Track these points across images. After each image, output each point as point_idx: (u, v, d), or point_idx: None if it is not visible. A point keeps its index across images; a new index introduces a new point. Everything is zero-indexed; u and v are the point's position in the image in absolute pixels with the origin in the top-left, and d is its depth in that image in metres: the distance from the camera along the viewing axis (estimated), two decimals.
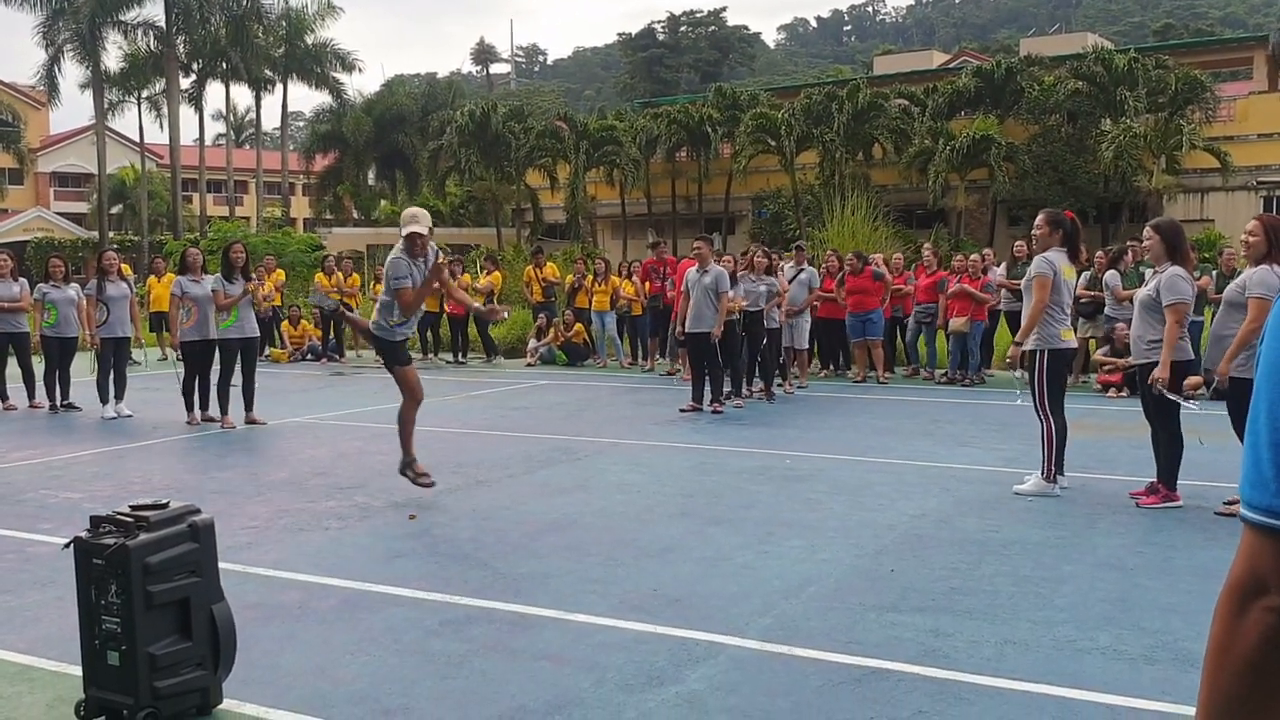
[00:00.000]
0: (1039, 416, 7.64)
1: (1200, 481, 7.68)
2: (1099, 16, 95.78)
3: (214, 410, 11.26)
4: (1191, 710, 3.91)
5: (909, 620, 4.94)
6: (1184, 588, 5.40)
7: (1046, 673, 4.28)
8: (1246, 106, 31.65)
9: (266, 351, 18.45)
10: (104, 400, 11.92)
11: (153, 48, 45.92)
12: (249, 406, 11.27)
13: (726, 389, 12.30)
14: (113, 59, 46.72)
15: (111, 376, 11.92)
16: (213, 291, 11.04)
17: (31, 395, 12.90)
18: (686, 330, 11.97)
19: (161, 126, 49.28)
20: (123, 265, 18.70)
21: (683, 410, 11.83)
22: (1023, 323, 7.73)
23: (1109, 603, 5.17)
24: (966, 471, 8.49)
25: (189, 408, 11.32)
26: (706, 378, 11.95)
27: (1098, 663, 4.40)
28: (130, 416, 11.80)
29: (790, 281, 13.95)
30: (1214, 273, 13.22)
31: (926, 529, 6.67)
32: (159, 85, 48.33)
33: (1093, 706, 3.96)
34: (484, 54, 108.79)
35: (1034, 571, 5.70)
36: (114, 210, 55.65)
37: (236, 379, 11.20)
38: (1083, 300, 13.09)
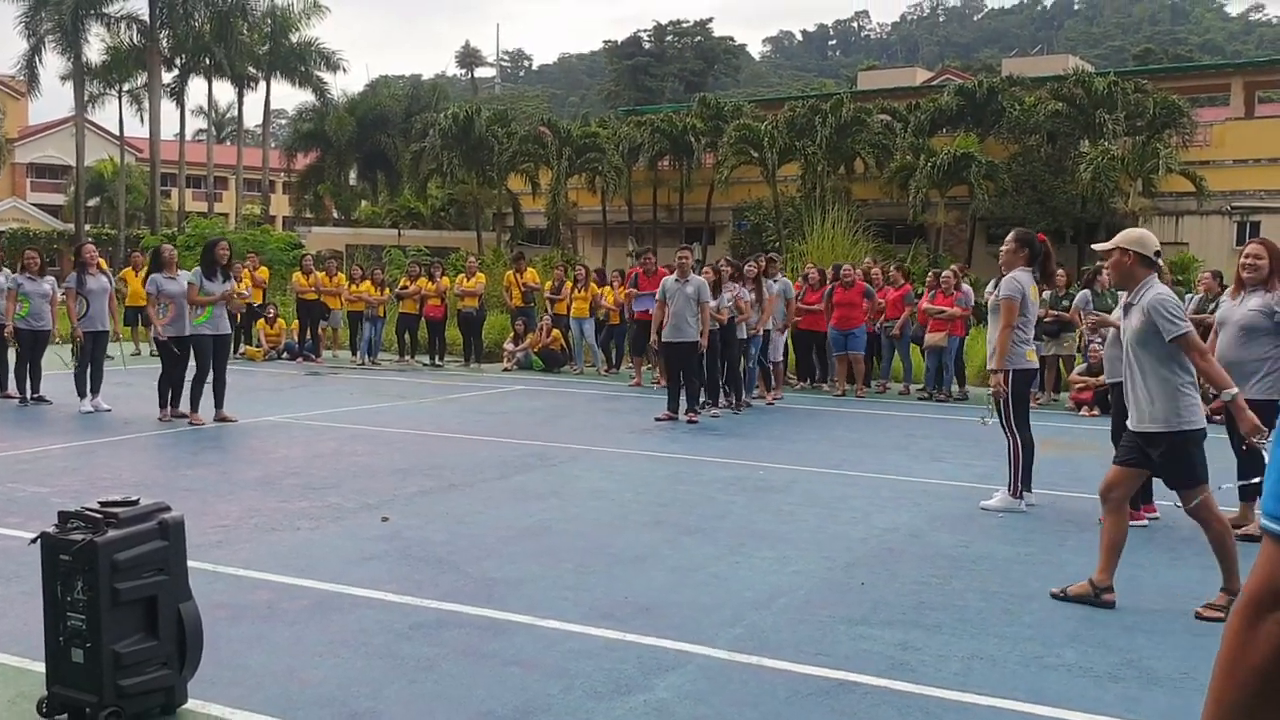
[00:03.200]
0: (1005, 434, 7.71)
1: (1167, 502, 7.75)
2: (1080, 39, 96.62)
3: (184, 407, 11.19)
4: None
5: (878, 634, 4.96)
6: (1149, 606, 5.44)
7: (1013, 688, 4.31)
8: (1223, 132, 31.96)
9: (241, 349, 18.37)
10: (81, 394, 11.83)
11: (135, 41, 45.63)
12: (219, 404, 11.21)
13: (703, 399, 12.32)
14: (95, 51, 46.39)
15: (89, 370, 11.83)
16: (188, 285, 10.99)
17: (3, 386, 12.80)
18: (665, 340, 11.96)
19: (142, 120, 48.95)
20: (99, 260, 18.67)
21: (658, 419, 11.83)
22: (990, 345, 7.80)
23: (1075, 620, 5.21)
24: (939, 486, 8.53)
25: (162, 404, 11.24)
26: (683, 388, 11.96)
27: (1063, 679, 4.43)
28: (109, 411, 11.70)
29: (773, 294, 13.99)
30: (1189, 296, 13.32)
31: (898, 543, 6.70)
32: (141, 79, 47.98)
33: None
34: (469, 57, 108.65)
35: (1002, 587, 5.73)
36: (91, 203, 55.19)
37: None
38: (1047, 320, 13.12)
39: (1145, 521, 7.21)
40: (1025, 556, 6.41)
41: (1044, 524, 7.29)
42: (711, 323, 12.12)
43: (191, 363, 11.24)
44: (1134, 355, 5.43)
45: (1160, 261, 5.54)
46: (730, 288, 12.72)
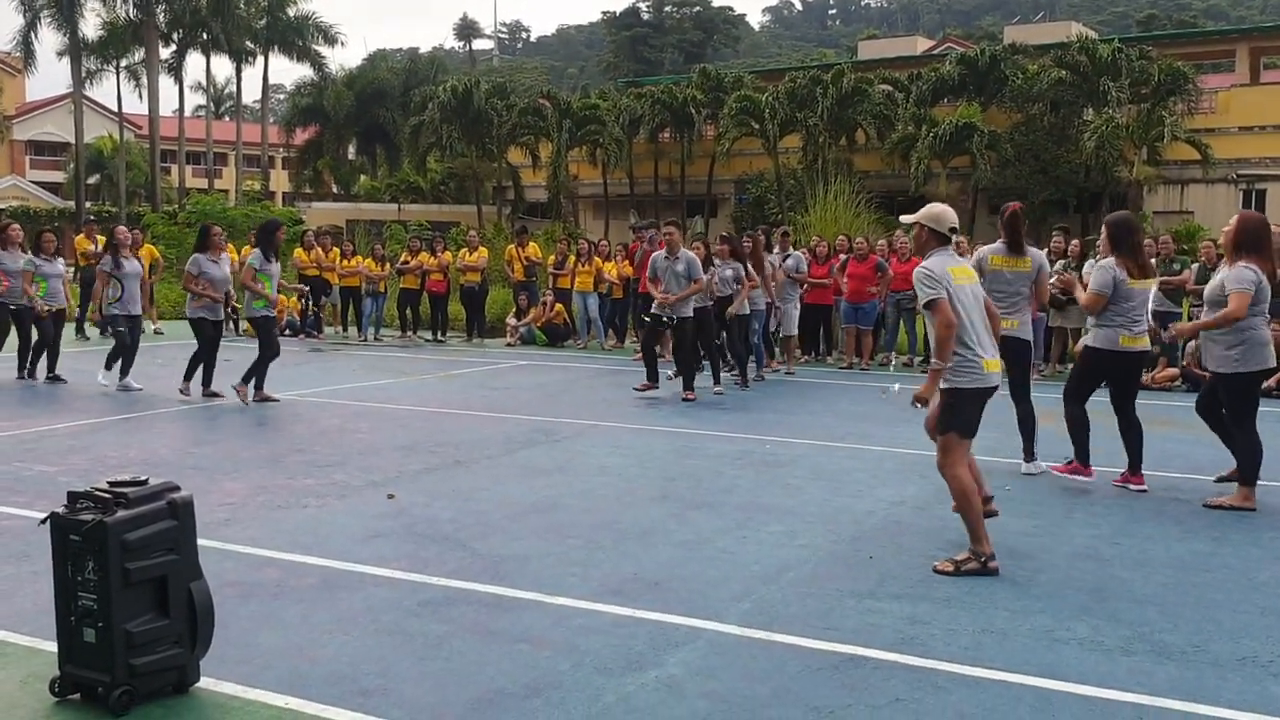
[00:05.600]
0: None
1: (1178, 474, 7.75)
2: (1083, 6, 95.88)
3: (214, 386, 11.29)
4: (1166, 702, 3.95)
5: (887, 607, 4.96)
6: (1160, 580, 5.44)
7: (1023, 663, 4.30)
8: (1228, 99, 31.77)
9: (243, 326, 18.33)
10: (109, 368, 11.82)
11: (132, 16, 45.44)
12: (256, 383, 11.25)
13: (702, 376, 12.25)
14: (91, 27, 46.25)
15: (122, 351, 11.76)
16: (247, 266, 11.12)
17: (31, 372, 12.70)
18: (655, 315, 11.85)
19: (140, 96, 48.81)
20: (100, 237, 18.62)
21: (637, 389, 11.75)
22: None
23: (1085, 593, 5.20)
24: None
25: (187, 376, 11.27)
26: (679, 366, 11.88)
27: (1074, 653, 4.42)
28: (140, 389, 11.59)
29: (779, 267, 13.93)
30: (1194, 265, 13.28)
31: (905, 516, 6.70)
32: (138, 54, 47.83)
33: (1069, 697, 3.99)
34: (467, 29, 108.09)
35: (1011, 560, 5.72)
36: (91, 180, 55.13)
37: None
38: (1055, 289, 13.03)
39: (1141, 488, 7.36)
40: (1034, 530, 6.40)
41: (1051, 497, 7.28)
42: (706, 299, 11.99)
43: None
44: None
45: (954, 238, 5.81)
46: (732, 264, 12.58)
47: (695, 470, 7.99)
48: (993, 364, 5.68)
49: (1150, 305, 7.64)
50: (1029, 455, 7.97)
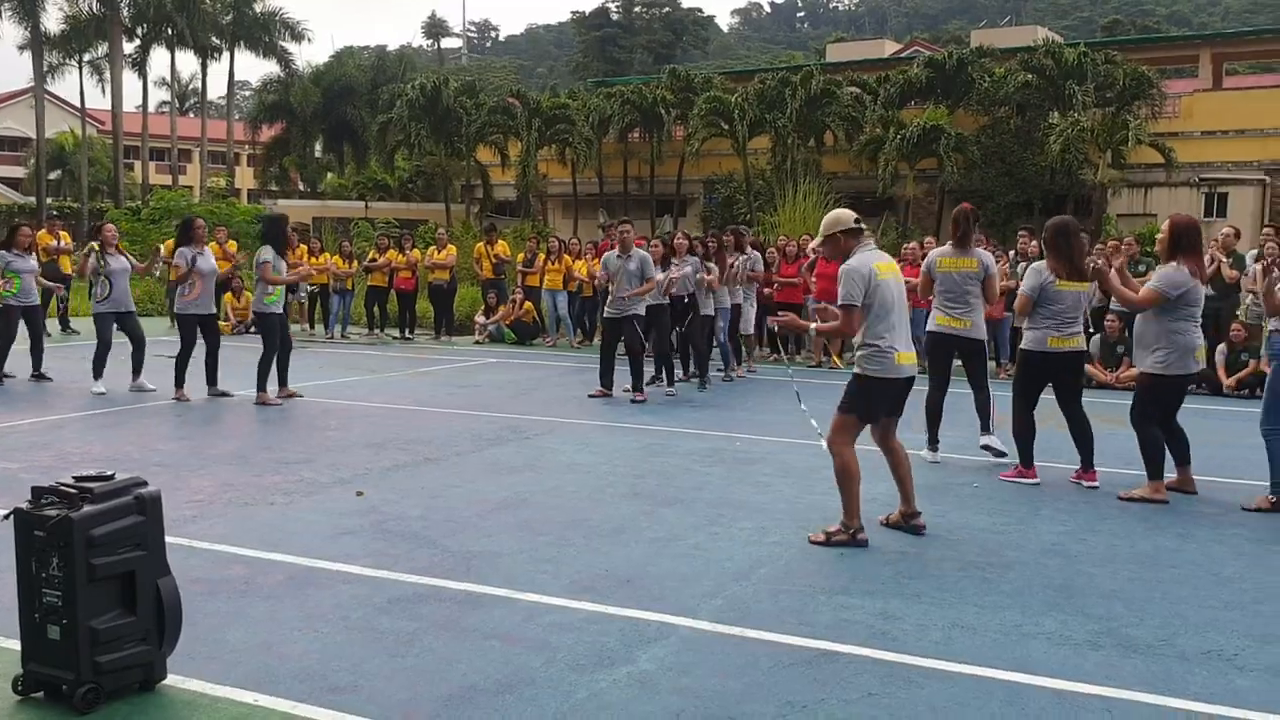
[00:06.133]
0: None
1: (1141, 471, 7.81)
2: (1049, 10, 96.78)
3: (223, 385, 11.23)
4: (1134, 695, 3.98)
5: (859, 603, 4.97)
6: (1127, 575, 5.49)
7: (994, 657, 4.33)
8: (1191, 104, 32.12)
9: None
10: (135, 373, 11.55)
11: (95, 10, 44.90)
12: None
13: (649, 376, 12.01)
14: (53, 20, 45.68)
15: (129, 350, 11.54)
16: (263, 264, 10.89)
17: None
18: (607, 316, 11.74)
19: (104, 92, 48.28)
20: (62, 233, 18.39)
21: (592, 395, 11.52)
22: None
23: (1053, 589, 5.24)
24: (913, 457, 8.52)
25: (179, 383, 11.06)
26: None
27: (1043, 647, 4.46)
28: (153, 390, 11.30)
29: (738, 267, 13.85)
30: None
31: (875, 513, 6.71)
32: (101, 49, 47.27)
33: (1039, 691, 4.02)
34: (435, 28, 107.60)
35: (980, 557, 5.76)
36: (52, 176, 54.45)
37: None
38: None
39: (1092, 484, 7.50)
40: (1001, 526, 6.44)
41: (1018, 494, 7.34)
42: (663, 298, 11.83)
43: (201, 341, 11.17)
44: None
45: (862, 228, 6.13)
46: (692, 262, 12.31)
47: (665, 467, 7.99)
48: (906, 356, 5.94)
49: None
50: (985, 430, 8.43)
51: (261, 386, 10.87)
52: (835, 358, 14.88)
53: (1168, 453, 7.24)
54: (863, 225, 6.11)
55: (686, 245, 12.56)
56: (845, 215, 6.13)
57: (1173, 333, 7.01)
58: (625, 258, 11.48)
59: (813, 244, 6.22)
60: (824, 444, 6.18)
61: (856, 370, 5.94)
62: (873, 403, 5.97)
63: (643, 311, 11.60)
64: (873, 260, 5.91)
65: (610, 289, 11.76)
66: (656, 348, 12.30)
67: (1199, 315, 7.12)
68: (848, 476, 5.92)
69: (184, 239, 11.21)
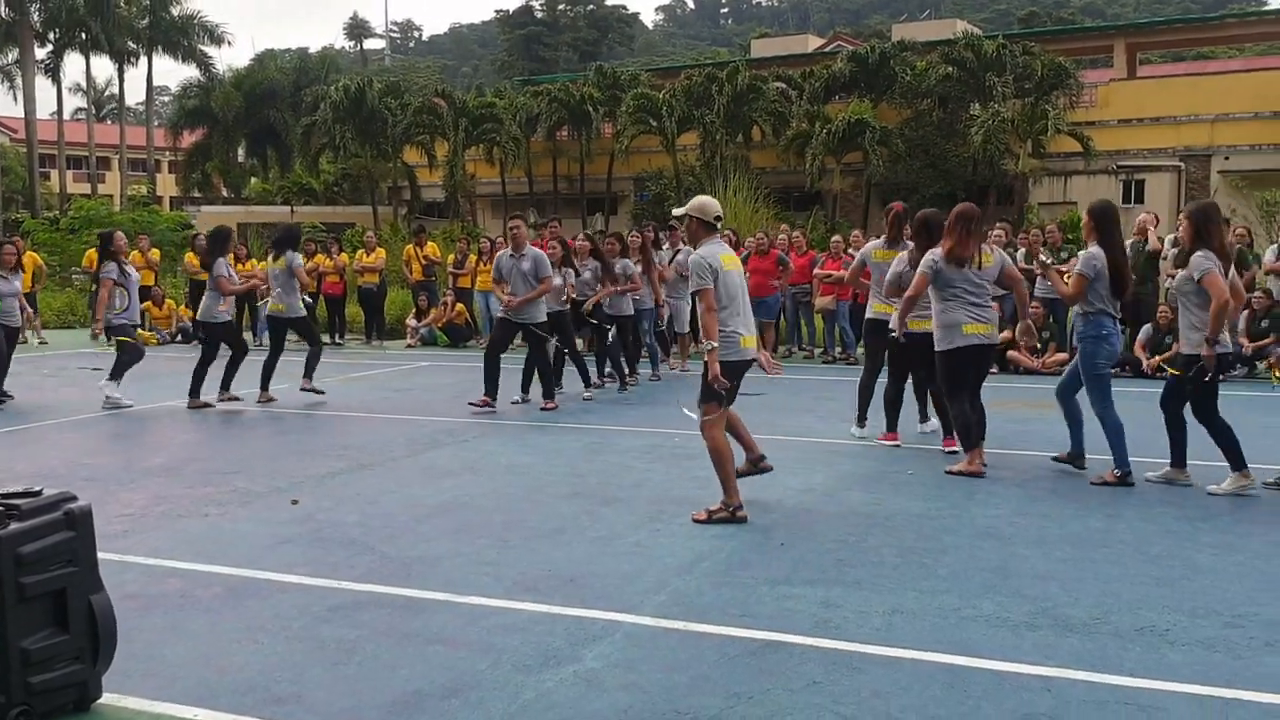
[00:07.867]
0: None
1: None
2: (967, 3, 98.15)
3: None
4: (1073, 674, 4.07)
5: (801, 593, 5.02)
6: (1059, 556, 5.60)
7: (934, 641, 4.39)
8: (1108, 93, 32.87)
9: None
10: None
11: (4, 14, 43.71)
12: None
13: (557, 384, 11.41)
14: None
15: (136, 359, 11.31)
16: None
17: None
18: (502, 318, 10.82)
19: (15, 99, 47.01)
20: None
21: (471, 404, 10.54)
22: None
23: (989, 571, 5.33)
24: (848, 446, 8.67)
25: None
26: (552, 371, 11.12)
27: (982, 630, 4.53)
28: (131, 406, 11.03)
29: (669, 263, 13.86)
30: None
31: (813, 503, 6.80)
32: (12, 55, 46.03)
33: (979, 672, 4.09)
34: (357, 29, 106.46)
35: (917, 542, 5.84)
36: None
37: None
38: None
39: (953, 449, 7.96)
40: (937, 512, 6.54)
41: (953, 480, 7.44)
42: (562, 302, 11.23)
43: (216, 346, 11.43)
44: None
45: (719, 226, 6.53)
46: (590, 264, 12.02)
47: (605, 466, 7.99)
48: (749, 340, 6.41)
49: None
50: (923, 417, 9.08)
51: (264, 386, 11.30)
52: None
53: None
54: (719, 225, 6.53)
55: (589, 248, 12.21)
56: (711, 207, 6.52)
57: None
58: (519, 257, 10.52)
59: (678, 210, 6.63)
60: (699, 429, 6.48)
61: (707, 360, 6.22)
62: (729, 383, 6.30)
63: (545, 317, 10.73)
64: (719, 252, 6.37)
65: (497, 293, 11.04)
66: (569, 354, 11.54)
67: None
68: (721, 457, 6.33)
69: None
